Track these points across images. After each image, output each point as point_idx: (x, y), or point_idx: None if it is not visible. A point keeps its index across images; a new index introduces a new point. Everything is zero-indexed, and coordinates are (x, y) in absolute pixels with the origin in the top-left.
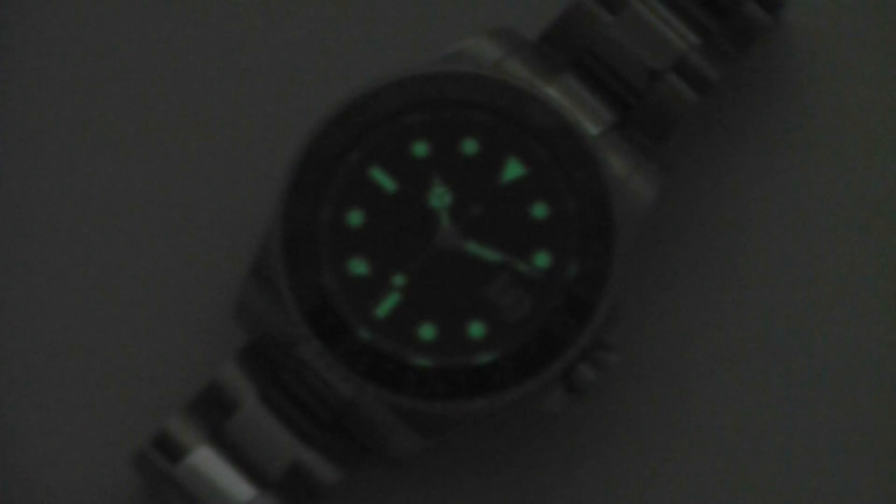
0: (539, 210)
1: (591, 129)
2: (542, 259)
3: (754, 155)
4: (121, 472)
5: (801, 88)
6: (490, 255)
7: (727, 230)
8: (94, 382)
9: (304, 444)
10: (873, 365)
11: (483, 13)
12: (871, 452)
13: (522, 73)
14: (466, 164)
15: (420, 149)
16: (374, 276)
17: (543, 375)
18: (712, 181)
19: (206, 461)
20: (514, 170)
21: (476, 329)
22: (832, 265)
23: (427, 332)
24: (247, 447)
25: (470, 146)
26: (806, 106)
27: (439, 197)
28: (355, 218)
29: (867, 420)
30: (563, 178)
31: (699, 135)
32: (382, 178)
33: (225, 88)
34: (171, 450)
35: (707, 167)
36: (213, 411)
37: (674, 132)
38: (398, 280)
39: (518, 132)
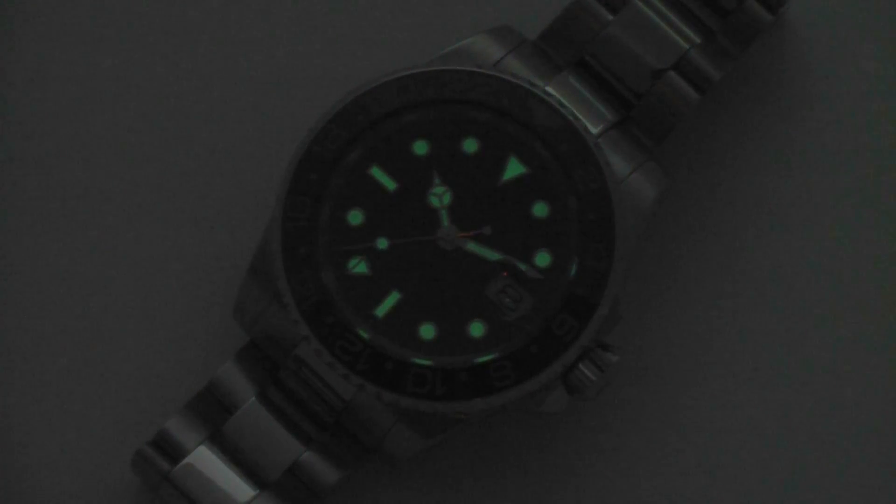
0: (539, 209)
1: (592, 127)
2: (542, 258)
3: (754, 155)
4: (121, 472)
5: (801, 88)
6: (490, 254)
7: (727, 230)
8: (94, 382)
9: (303, 444)
10: (873, 365)
11: (483, 12)
12: (871, 452)
13: (522, 72)
14: (466, 163)
15: (420, 148)
16: (374, 276)
17: (543, 375)
18: (712, 181)
19: (205, 461)
20: (514, 169)
21: (476, 329)
22: (831, 265)
23: (427, 331)
24: (246, 447)
25: (470, 145)
26: (806, 106)
27: (439, 196)
28: (355, 217)
29: (867, 420)
30: (563, 177)
31: (699, 135)
32: (382, 177)
33: (225, 88)
34: (170, 450)
35: (707, 167)
36: (212, 411)
37: (674, 131)
38: (382, 243)
39: (518, 131)
